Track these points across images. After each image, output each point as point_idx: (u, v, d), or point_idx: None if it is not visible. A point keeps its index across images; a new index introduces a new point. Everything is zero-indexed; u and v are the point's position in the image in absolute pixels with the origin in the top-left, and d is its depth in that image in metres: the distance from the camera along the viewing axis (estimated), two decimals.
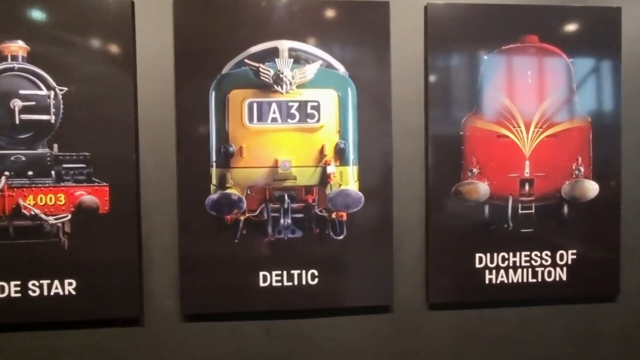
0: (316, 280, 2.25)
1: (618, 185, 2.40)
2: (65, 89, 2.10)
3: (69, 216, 2.12)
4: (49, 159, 2.11)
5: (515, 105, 2.32)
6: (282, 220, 2.22)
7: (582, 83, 2.36)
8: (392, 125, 2.28)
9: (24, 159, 2.11)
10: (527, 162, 2.34)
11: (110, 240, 2.15)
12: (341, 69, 2.23)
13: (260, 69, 2.18)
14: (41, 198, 2.11)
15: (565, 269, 2.38)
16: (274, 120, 2.20)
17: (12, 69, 2.08)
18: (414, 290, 2.33)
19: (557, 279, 2.38)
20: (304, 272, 2.24)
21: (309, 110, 2.22)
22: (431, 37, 2.27)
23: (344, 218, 2.25)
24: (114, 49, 2.13)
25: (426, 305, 2.34)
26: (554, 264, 2.38)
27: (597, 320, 2.43)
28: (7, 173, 2.09)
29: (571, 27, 2.34)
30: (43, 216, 2.11)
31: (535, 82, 2.33)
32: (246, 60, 2.18)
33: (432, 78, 2.28)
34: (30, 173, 2.11)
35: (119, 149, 2.14)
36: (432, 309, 2.34)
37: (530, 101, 2.33)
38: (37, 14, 2.09)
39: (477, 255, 2.33)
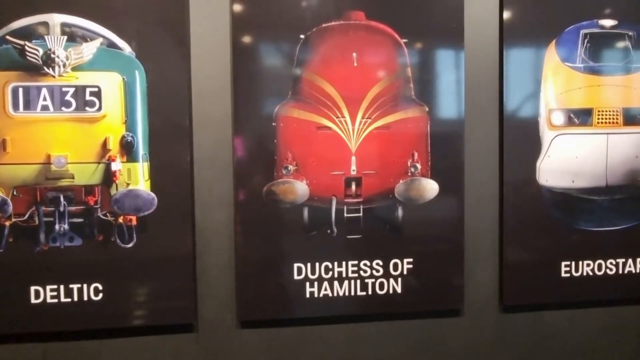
0: (101, 295, 1.92)
1: (460, 184, 2.11)
2: None
3: None
4: None
5: (339, 92, 2.01)
6: (57, 226, 1.89)
7: (418, 67, 2.06)
8: (191, 115, 1.96)
9: None
10: (354, 158, 2.03)
11: None
12: (127, 48, 1.90)
13: (27, 48, 1.84)
14: None
15: (400, 280, 2.09)
16: (45, 108, 1.86)
17: None
18: (222, 306, 2.02)
19: (391, 291, 2.08)
20: (85, 286, 1.91)
21: (88, 97, 1.88)
22: (238, 13, 1.95)
23: (134, 223, 1.93)
24: None
25: (237, 323, 2.03)
26: (386, 275, 2.08)
27: (440, 338, 2.14)
28: None
29: (403, 3, 2.03)
30: None
31: (362, 66, 2.02)
32: (8, 37, 1.83)
33: (239, 61, 1.96)
34: None
35: None
36: (243, 327, 2.03)
37: (356, 87, 2.02)
38: None
39: (296, 265, 2.03)
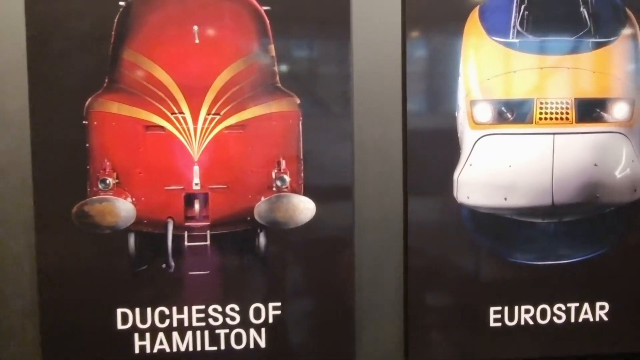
0: None
1: (348, 202, 1.57)
2: None
3: None
4: None
5: (174, 78, 1.49)
6: None
7: (286, 45, 1.53)
8: None
9: None
10: (196, 168, 1.51)
11: None
12: None
13: None
14: None
15: (264, 330, 1.56)
16: None
17: None
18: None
19: (252, 345, 1.56)
20: None
21: None
22: None
23: None
24: None
25: None
26: (245, 324, 1.55)
27: None
28: None
29: None
30: None
31: (206, 43, 1.50)
32: None
33: (36, 38, 1.46)
34: None
35: None
36: None
37: (198, 72, 1.50)
38: None
39: (120, 310, 1.52)
